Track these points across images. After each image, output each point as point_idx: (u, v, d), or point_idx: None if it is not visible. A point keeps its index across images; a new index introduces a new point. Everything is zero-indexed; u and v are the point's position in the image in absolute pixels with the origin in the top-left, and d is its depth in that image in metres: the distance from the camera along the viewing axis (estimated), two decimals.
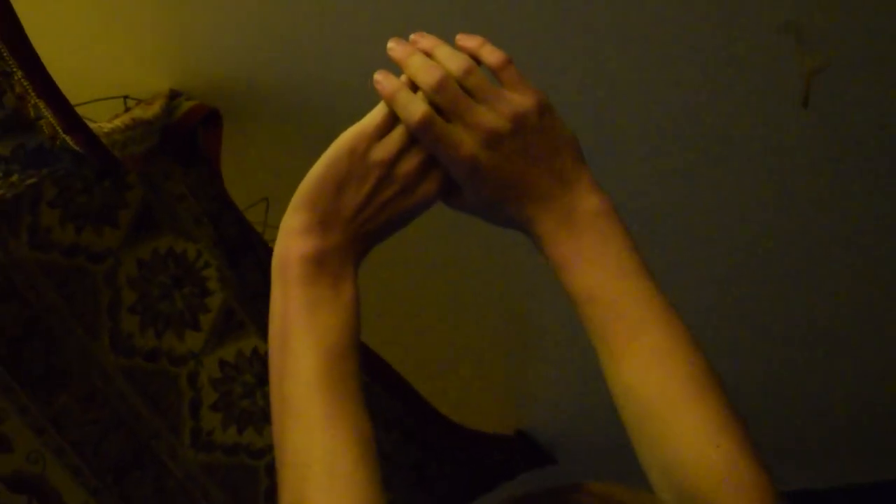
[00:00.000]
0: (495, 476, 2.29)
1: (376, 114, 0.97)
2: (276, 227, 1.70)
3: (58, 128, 1.30)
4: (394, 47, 0.97)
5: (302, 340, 0.96)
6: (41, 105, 1.28)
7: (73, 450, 1.66)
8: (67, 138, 1.31)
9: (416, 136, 0.95)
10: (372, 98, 0.96)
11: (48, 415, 1.61)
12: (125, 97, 1.59)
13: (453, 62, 0.94)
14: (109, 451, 1.70)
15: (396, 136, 0.97)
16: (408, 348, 2.06)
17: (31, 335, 1.58)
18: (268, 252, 1.60)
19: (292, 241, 0.97)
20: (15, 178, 1.35)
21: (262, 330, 1.76)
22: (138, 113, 1.53)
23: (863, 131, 1.82)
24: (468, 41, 0.98)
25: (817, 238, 2.04)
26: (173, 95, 1.61)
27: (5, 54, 1.25)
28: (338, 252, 0.98)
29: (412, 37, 0.98)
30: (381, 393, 1.92)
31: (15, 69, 1.26)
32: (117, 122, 1.46)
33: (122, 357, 1.67)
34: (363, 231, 0.98)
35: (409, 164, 0.97)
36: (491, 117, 0.94)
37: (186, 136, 1.61)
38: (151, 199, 1.63)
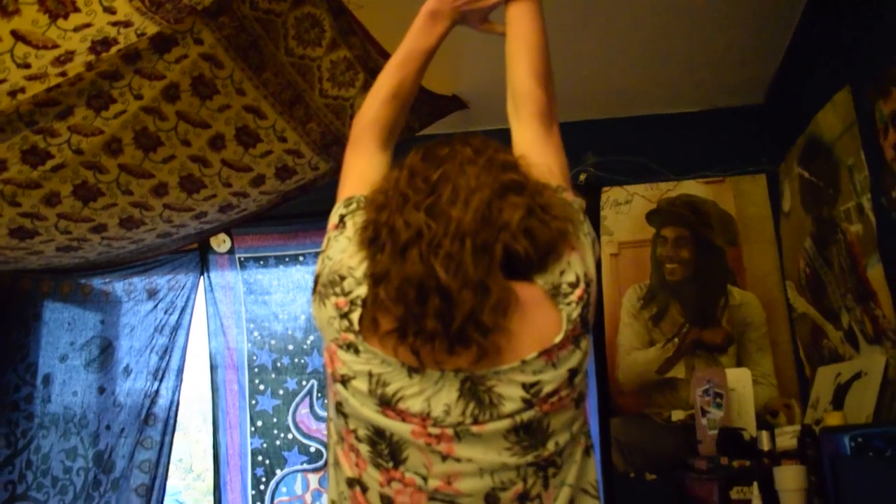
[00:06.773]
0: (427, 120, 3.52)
1: None
2: (356, 5, 3.10)
3: None
4: None
5: (408, 41, 1.72)
6: None
7: (270, 96, 3.00)
8: None
9: None
10: None
11: (259, 80, 2.95)
12: None
13: None
14: (285, 96, 3.02)
15: None
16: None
17: (252, 45, 2.81)
18: (353, 16, 2.85)
19: (426, 4, 1.74)
20: None
21: (350, 48, 2.90)
22: None
23: None
24: None
25: None
26: None
27: None
28: (441, 15, 1.73)
29: None
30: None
31: None
32: None
33: (288, 57, 2.90)
34: (458, 9, 1.74)
35: None
36: None
37: None
38: None
